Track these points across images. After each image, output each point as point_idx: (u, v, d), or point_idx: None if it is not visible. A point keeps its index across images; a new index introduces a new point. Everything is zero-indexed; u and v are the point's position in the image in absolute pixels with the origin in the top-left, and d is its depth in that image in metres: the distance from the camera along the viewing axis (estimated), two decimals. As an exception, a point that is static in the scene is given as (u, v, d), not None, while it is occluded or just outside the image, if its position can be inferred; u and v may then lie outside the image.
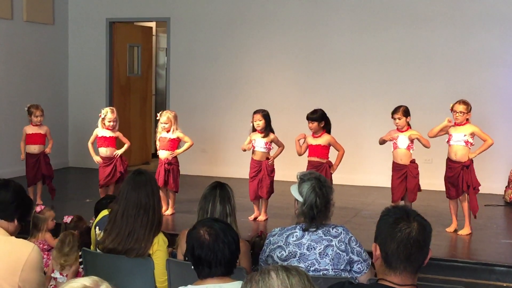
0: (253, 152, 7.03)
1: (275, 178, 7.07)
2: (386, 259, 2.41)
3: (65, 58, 10.69)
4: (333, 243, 3.57)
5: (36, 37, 10.01)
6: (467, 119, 6.44)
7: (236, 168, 9.23)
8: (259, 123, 6.90)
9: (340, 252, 3.56)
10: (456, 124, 6.45)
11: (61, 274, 4.48)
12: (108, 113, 7.32)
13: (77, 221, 5.08)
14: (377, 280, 2.44)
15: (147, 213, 3.74)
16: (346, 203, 7.76)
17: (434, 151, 8.06)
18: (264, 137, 6.94)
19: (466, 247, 6.33)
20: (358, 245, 3.64)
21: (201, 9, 10.02)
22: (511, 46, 8.73)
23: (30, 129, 7.59)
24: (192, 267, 2.95)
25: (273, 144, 7.04)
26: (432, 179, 7.97)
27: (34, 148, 7.59)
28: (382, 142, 6.88)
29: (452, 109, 6.45)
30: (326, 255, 3.55)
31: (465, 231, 6.50)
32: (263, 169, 6.96)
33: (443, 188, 6.78)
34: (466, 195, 6.45)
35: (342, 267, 3.56)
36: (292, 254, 3.58)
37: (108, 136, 7.37)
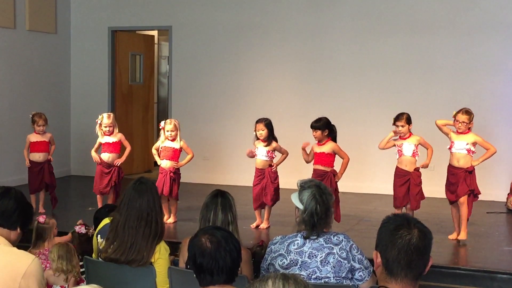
0: (255, 160, 7.05)
1: (280, 186, 7.08)
2: (387, 266, 2.41)
3: (68, 67, 10.73)
4: (335, 250, 3.57)
5: (38, 46, 10.05)
6: (469, 128, 6.45)
7: (238, 176, 9.24)
8: (262, 132, 6.92)
9: (342, 260, 3.56)
10: (458, 133, 6.46)
11: (62, 287, 4.46)
12: (104, 119, 7.34)
13: (86, 228, 5.07)
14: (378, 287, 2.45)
15: (149, 224, 3.74)
16: (349, 211, 7.76)
17: (436, 159, 8.05)
18: (266, 145, 6.95)
19: (468, 255, 6.32)
20: (359, 252, 3.63)
21: (202, 18, 10.06)
22: (512, 53, 8.75)
23: (34, 137, 7.61)
24: (194, 275, 2.96)
25: (276, 152, 7.05)
26: (434, 187, 7.96)
27: (38, 156, 7.60)
28: (384, 146, 6.86)
29: (454, 118, 6.46)
30: (327, 263, 3.55)
31: (462, 236, 6.50)
32: (266, 177, 6.97)
33: (445, 196, 6.78)
34: (466, 197, 6.44)
35: (343, 275, 3.56)
36: (293, 262, 3.58)
37: (111, 142, 7.40)
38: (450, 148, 6.53)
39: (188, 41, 10.17)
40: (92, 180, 7.67)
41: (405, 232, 2.40)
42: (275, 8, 9.71)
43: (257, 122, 7.01)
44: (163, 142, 7.23)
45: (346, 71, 9.43)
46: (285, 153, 7.04)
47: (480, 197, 6.62)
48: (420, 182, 6.69)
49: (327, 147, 6.82)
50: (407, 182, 6.66)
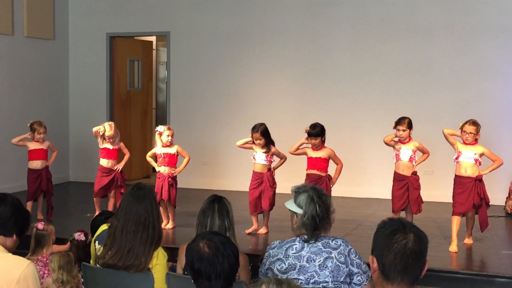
0: (254, 164, 7.05)
1: (276, 191, 7.08)
2: (383, 270, 2.41)
3: (66, 73, 10.74)
4: (333, 255, 3.57)
5: (36, 53, 10.06)
6: (476, 140, 6.44)
7: (236, 181, 9.24)
8: (260, 142, 6.91)
9: (340, 264, 3.56)
10: (465, 144, 6.43)
11: None
12: (106, 131, 7.33)
13: (86, 236, 5.07)
14: (375, 292, 2.45)
15: (146, 229, 3.74)
16: (347, 215, 7.76)
17: (434, 163, 8.09)
18: (265, 152, 6.95)
19: (467, 259, 6.31)
20: (357, 257, 3.63)
21: (201, 23, 10.07)
22: (511, 57, 8.75)
23: (33, 145, 7.61)
24: (192, 280, 2.95)
25: (274, 156, 7.05)
26: (432, 191, 7.98)
27: (36, 164, 7.61)
28: (388, 141, 6.86)
29: (462, 129, 6.43)
30: (325, 267, 3.54)
31: (468, 240, 6.49)
32: (264, 181, 6.96)
33: (444, 200, 6.80)
34: (474, 210, 6.43)
35: (341, 279, 3.55)
36: (291, 267, 3.58)
37: (111, 148, 7.40)
38: (457, 158, 6.45)
39: (187, 47, 10.18)
40: (91, 186, 7.67)
41: (401, 237, 2.40)
42: (273, 14, 9.73)
43: (253, 131, 6.97)
44: (160, 149, 7.21)
45: (344, 76, 9.44)
46: (283, 158, 7.05)
47: (486, 212, 6.57)
48: (419, 186, 6.69)
49: (324, 152, 6.84)
50: (405, 187, 6.66)
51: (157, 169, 7.25)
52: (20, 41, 9.70)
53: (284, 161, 7.06)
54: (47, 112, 10.07)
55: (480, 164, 6.44)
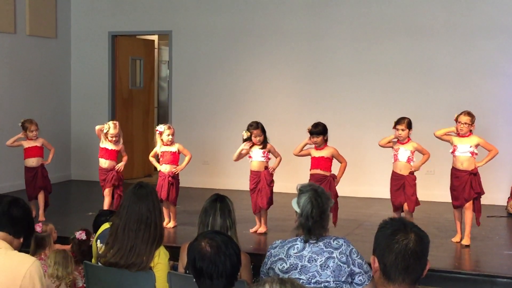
0: (251, 163, 7.03)
1: (275, 190, 7.06)
2: (384, 271, 2.41)
3: (68, 72, 10.75)
4: (334, 255, 3.57)
5: (39, 51, 10.07)
6: (471, 131, 6.47)
7: (237, 180, 9.23)
8: (260, 138, 6.91)
9: (341, 264, 3.56)
10: (460, 136, 6.48)
11: None
12: (110, 129, 7.32)
13: (88, 235, 5.07)
14: (377, 292, 2.45)
15: (148, 228, 3.74)
16: (348, 215, 7.76)
17: (436, 163, 8.08)
18: (262, 148, 6.95)
19: (468, 259, 6.32)
20: (359, 257, 3.63)
21: (202, 22, 10.08)
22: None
23: (27, 143, 7.62)
24: (194, 279, 2.95)
25: (270, 154, 7.04)
26: (434, 190, 7.98)
27: (32, 162, 7.61)
28: (384, 144, 6.87)
29: (456, 120, 6.50)
30: (327, 267, 3.55)
31: (465, 241, 6.50)
32: (262, 179, 6.95)
33: (445, 199, 6.80)
34: (472, 202, 6.45)
35: (343, 279, 3.55)
36: (293, 266, 3.58)
37: (110, 148, 7.39)
38: (453, 152, 6.54)
39: (188, 46, 10.18)
40: (92, 185, 7.67)
41: (402, 237, 2.40)
42: (274, 13, 9.73)
43: (252, 128, 6.97)
44: (161, 147, 7.22)
45: (345, 75, 9.44)
46: (278, 156, 7.02)
47: (481, 201, 6.60)
48: (415, 184, 6.67)
49: (326, 151, 6.82)
50: (401, 185, 6.67)
51: (159, 168, 7.25)
52: (22, 39, 9.71)
53: (280, 160, 7.03)
54: (49, 111, 10.08)
55: (476, 155, 6.48)
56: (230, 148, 9.66)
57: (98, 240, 3.98)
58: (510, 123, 8.73)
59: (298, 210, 3.68)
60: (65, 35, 10.65)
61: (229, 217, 3.82)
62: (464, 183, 6.43)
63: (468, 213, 6.48)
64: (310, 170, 6.87)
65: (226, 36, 9.98)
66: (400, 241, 2.39)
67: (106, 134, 7.34)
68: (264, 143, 6.96)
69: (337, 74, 9.47)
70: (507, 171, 8.64)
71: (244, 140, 7.01)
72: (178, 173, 7.28)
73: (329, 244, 3.61)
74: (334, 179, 6.78)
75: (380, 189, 8.67)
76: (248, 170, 7.14)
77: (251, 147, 6.98)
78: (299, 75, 9.69)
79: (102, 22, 10.58)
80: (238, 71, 9.94)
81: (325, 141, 6.85)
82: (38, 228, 4.94)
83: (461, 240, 6.55)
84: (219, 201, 3.85)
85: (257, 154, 6.97)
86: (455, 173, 6.55)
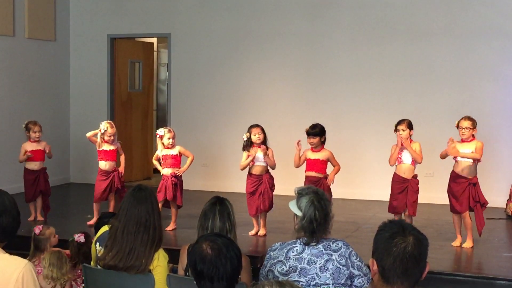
0: (252, 167, 7.02)
1: (274, 192, 7.08)
2: (383, 274, 2.41)
3: (67, 74, 10.75)
4: (334, 257, 3.58)
5: (37, 54, 10.07)
6: (473, 135, 6.46)
7: (237, 183, 9.21)
8: (260, 136, 6.91)
9: (341, 267, 3.56)
10: (463, 140, 6.47)
11: None
12: (108, 128, 7.34)
13: (87, 237, 5.07)
14: (375, 295, 2.45)
15: (147, 230, 3.74)
16: (347, 217, 7.75)
17: (435, 165, 8.08)
18: (263, 150, 6.93)
19: (468, 261, 6.32)
20: (358, 259, 3.64)
21: (201, 25, 10.08)
22: (510, 58, 8.76)
23: (30, 146, 7.58)
24: (194, 282, 2.95)
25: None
26: (433, 193, 7.97)
27: (34, 165, 7.59)
28: (394, 161, 6.83)
29: (457, 126, 6.48)
30: (326, 270, 3.55)
31: (468, 244, 6.50)
32: (264, 183, 6.94)
33: (445, 202, 6.79)
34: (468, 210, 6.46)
35: (342, 282, 3.56)
36: (292, 269, 3.58)
37: (108, 149, 7.40)
38: (455, 158, 6.52)
39: (187, 48, 10.19)
40: (91, 187, 7.66)
41: (400, 240, 2.40)
42: (273, 16, 9.73)
43: (253, 127, 6.97)
44: (162, 150, 7.22)
45: (344, 78, 9.44)
46: (273, 165, 7.00)
47: (483, 212, 6.57)
48: (418, 190, 6.69)
49: (322, 154, 6.83)
50: (405, 190, 6.66)
51: (161, 171, 7.24)
52: (21, 42, 9.71)
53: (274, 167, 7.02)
54: (48, 113, 10.07)
55: (479, 162, 6.45)
56: (229, 150, 9.69)
57: (97, 243, 3.98)
58: (509, 126, 8.73)
59: (299, 213, 3.68)
60: (64, 38, 10.65)
61: (228, 219, 3.82)
62: (462, 190, 6.41)
63: (467, 219, 6.47)
64: (305, 172, 6.89)
65: (225, 39, 9.99)
66: (398, 245, 2.39)
67: (103, 134, 7.34)
68: (265, 145, 6.95)
69: (337, 77, 9.48)
70: (506, 173, 8.64)
71: (245, 144, 6.97)
72: (181, 175, 7.26)
73: (329, 246, 3.62)
74: (326, 178, 6.79)
75: (379, 191, 8.67)
76: (247, 173, 7.13)
77: (254, 150, 6.95)
78: (299, 78, 9.69)
79: (101, 25, 10.59)
80: (237, 74, 9.95)
81: (322, 143, 6.85)
82: (37, 230, 4.94)
83: (461, 244, 6.54)
84: (219, 204, 3.85)
85: (259, 158, 6.97)
86: (455, 177, 6.52)
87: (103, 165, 7.40)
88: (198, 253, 2.92)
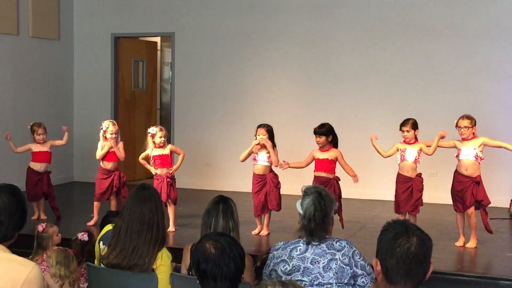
0: (255, 166, 7.02)
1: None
2: (386, 274, 2.41)
3: (71, 73, 10.76)
4: (337, 256, 3.57)
5: (41, 53, 10.08)
6: (473, 133, 6.45)
7: (240, 182, 9.24)
8: (263, 137, 6.90)
9: (344, 266, 3.56)
10: (463, 139, 6.45)
11: None
12: (110, 126, 7.35)
13: (90, 236, 5.08)
14: (379, 295, 2.45)
15: (151, 229, 3.74)
16: (351, 217, 7.75)
17: (438, 165, 8.09)
18: (268, 152, 6.92)
19: (471, 261, 6.31)
20: (362, 258, 3.63)
21: (205, 24, 10.08)
22: (514, 58, 8.75)
23: (35, 147, 7.60)
24: (198, 281, 2.95)
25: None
26: (436, 192, 7.96)
27: (40, 166, 7.60)
28: (388, 154, 6.88)
29: (456, 125, 6.47)
30: (329, 269, 3.55)
31: (471, 244, 6.49)
32: (268, 182, 6.93)
33: (448, 202, 6.78)
34: (473, 208, 6.44)
35: (346, 281, 3.55)
36: (295, 268, 3.58)
37: (110, 150, 7.40)
38: (457, 156, 6.50)
39: (191, 48, 10.19)
40: (95, 186, 7.67)
41: (404, 241, 2.39)
42: (277, 15, 9.73)
43: (258, 127, 6.98)
44: (153, 150, 7.17)
45: (348, 77, 9.43)
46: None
47: (487, 211, 6.55)
48: (422, 188, 6.68)
49: (331, 154, 6.77)
50: (409, 188, 6.65)
51: (153, 171, 7.20)
52: (25, 41, 9.72)
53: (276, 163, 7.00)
54: (52, 112, 10.09)
55: (482, 159, 6.43)
56: (233, 150, 9.69)
57: (101, 242, 3.99)
58: (513, 125, 8.71)
59: (301, 212, 3.69)
60: (68, 37, 10.66)
61: (231, 218, 3.81)
62: (466, 189, 6.39)
63: (472, 219, 6.45)
64: (314, 172, 6.86)
65: (229, 38, 9.98)
66: (402, 245, 2.38)
67: (104, 132, 7.34)
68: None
69: (341, 76, 9.47)
70: (510, 173, 8.63)
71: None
72: (174, 173, 7.26)
73: (332, 246, 3.62)
74: (337, 182, 6.75)
75: (384, 191, 8.67)
76: (250, 172, 7.13)
77: (259, 149, 6.94)
78: (303, 78, 9.68)
79: (105, 24, 10.60)
80: (241, 73, 9.94)
81: (330, 143, 6.78)
82: (40, 227, 4.96)
83: (464, 244, 6.53)
84: (222, 203, 3.85)
85: (262, 157, 6.95)
86: (458, 177, 6.50)
87: (106, 164, 7.40)
88: (201, 252, 2.91)
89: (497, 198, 8.29)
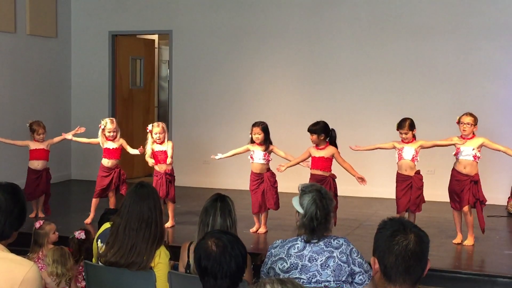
0: (252, 164, 7.02)
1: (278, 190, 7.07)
2: (385, 272, 2.41)
3: (68, 71, 10.74)
4: (335, 254, 3.57)
5: (39, 50, 10.07)
6: (473, 133, 6.45)
7: (238, 180, 9.24)
8: (258, 136, 6.89)
9: (342, 264, 3.56)
10: (463, 138, 6.46)
11: None
12: (107, 124, 7.35)
13: (87, 234, 5.08)
14: (378, 293, 2.45)
15: (149, 227, 3.74)
16: (349, 214, 7.76)
17: (436, 162, 8.09)
18: (264, 150, 6.93)
19: (469, 259, 6.32)
20: (359, 256, 3.63)
21: (203, 22, 10.07)
22: (513, 57, 8.75)
23: (33, 145, 7.59)
24: (198, 278, 2.95)
25: (272, 155, 7.02)
26: (434, 190, 7.96)
27: (37, 164, 7.59)
28: (384, 146, 6.92)
29: (459, 122, 6.47)
30: (327, 267, 3.55)
31: (469, 241, 6.50)
32: (265, 181, 6.94)
33: (446, 199, 6.78)
34: (469, 206, 6.45)
35: (343, 279, 3.55)
36: (293, 266, 3.58)
37: (111, 148, 7.39)
38: (456, 154, 6.51)
39: (189, 45, 10.18)
40: (93, 184, 7.67)
41: (402, 238, 2.39)
42: (275, 13, 9.72)
43: (253, 125, 6.98)
44: (152, 145, 7.19)
45: (346, 75, 9.43)
46: (285, 153, 7.00)
47: (483, 210, 6.57)
48: (422, 186, 6.68)
49: (327, 151, 6.77)
50: (408, 187, 6.65)
51: (155, 167, 7.23)
52: (22, 39, 9.71)
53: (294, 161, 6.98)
54: (49, 110, 10.08)
55: (479, 159, 6.45)
56: (230, 147, 9.62)
57: (99, 240, 3.98)
58: None
59: (301, 210, 3.68)
60: (66, 34, 10.65)
61: (229, 216, 3.81)
62: (464, 187, 6.41)
63: (468, 217, 6.47)
64: (310, 169, 6.85)
65: (226, 35, 9.98)
66: (400, 243, 2.38)
67: (103, 130, 7.34)
68: (266, 145, 6.93)
69: (339, 74, 9.47)
70: (507, 171, 8.63)
71: (250, 141, 7.02)
72: (173, 170, 7.25)
73: (330, 243, 3.62)
74: (333, 180, 6.75)
75: (381, 189, 8.69)
76: (248, 170, 7.14)
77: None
78: (300, 76, 9.68)
79: (103, 22, 10.58)
80: (239, 71, 9.94)
81: (324, 141, 6.76)
82: (38, 224, 4.99)
83: (462, 241, 6.54)
84: (220, 201, 3.84)
85: (258, 155, 6.95)
86: (456, 175, 6.52)
87: (106, 162, 7.41)
88: (203, 249, 2.91)
89: (495, 196, 8.32)
